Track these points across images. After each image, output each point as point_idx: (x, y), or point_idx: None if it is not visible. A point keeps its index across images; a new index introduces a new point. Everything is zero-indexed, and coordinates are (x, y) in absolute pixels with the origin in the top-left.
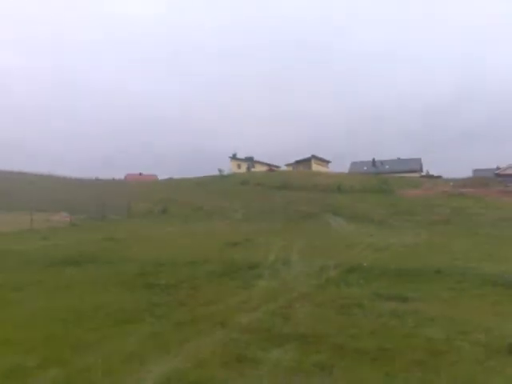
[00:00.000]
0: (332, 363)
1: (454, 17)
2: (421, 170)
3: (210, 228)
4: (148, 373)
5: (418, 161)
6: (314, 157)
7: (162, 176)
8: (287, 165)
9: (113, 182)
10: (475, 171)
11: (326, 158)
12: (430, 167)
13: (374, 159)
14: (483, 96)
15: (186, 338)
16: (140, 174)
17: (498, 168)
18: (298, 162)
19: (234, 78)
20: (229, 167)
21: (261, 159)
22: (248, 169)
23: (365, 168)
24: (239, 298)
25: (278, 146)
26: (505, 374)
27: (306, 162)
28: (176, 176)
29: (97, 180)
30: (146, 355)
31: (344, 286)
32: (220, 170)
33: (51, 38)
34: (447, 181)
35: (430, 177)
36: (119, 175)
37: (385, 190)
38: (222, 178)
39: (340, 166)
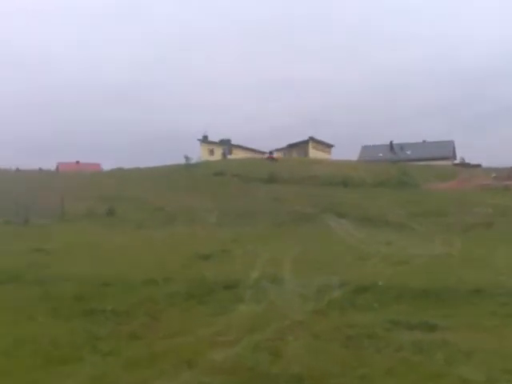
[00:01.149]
0: None
1: None
2: (454, 157)
3: (173, 235)
4: None
5: (450, 144)
6: (311, 139)
7: (106, 165)
8: (277, 150)
9: (40, 174)
10: None
11: (328, 141)
12: (466, 153)
13: (391, 143)
14: None
15: (141, 381)
16: (77, 162)
17: None
18: (290, 147)
19: (203, 31)
20: (198, 153)
21: (241, 143)
22: (224, 155)
23: (380, 154)
24: (212, 327)
25: (264, 125)
26: None
27: (301, 146)
28: (126, 165)
29: (17, 171)
30: None
31: (351, 311)
32: (186, 158)
33: None
34: (488, 171)
35: (465, 165)
36: (49, 165)
37: (406, 183)
38: (189, 168)
39: (347, 151)
